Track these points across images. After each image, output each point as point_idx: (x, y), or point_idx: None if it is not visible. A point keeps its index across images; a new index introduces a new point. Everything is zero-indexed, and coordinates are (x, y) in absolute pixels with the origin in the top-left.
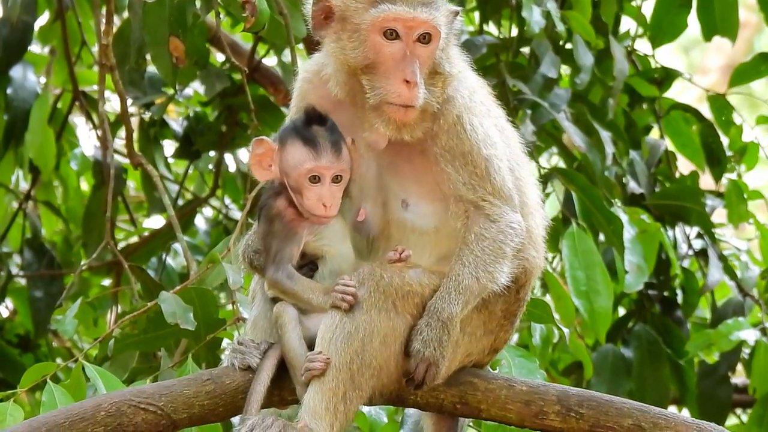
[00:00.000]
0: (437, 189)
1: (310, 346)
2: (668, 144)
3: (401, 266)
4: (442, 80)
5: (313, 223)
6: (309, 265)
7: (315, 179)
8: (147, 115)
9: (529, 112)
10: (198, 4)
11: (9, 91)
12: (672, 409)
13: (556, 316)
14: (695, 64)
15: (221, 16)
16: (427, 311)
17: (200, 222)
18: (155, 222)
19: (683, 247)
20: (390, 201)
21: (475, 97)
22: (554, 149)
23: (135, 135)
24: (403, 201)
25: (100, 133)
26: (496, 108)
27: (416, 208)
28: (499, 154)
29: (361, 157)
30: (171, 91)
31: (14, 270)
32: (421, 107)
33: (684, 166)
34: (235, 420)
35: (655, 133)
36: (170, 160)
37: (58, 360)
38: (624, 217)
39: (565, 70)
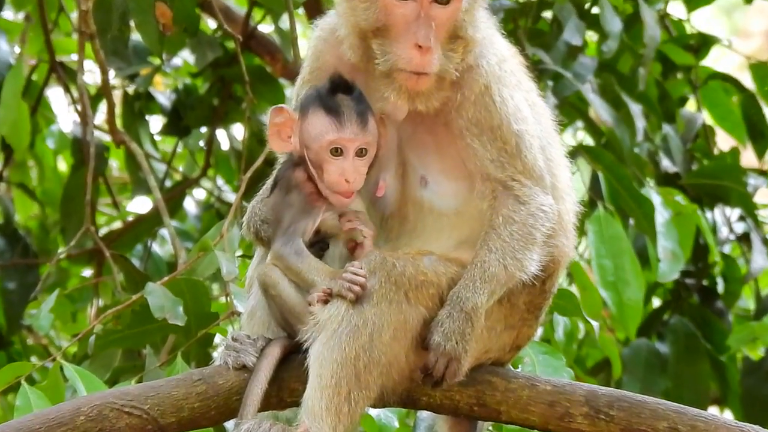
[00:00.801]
0: (461, 166)
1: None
2: (706, 117)
3: (414, 253)
4: (464, 46)
5: (333, 203)
6: (320, 243)
7: (337, 152)
8: (131, 88)
9: (550, 83)
10: None
11: None
12: (712, 410)
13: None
14: (737, 28)
15: None
16: (450, 301)
17: (190, 205)
18: (140, 205)
19: (723, 231)
20: (408, 176)
21: (505, 66)
22: (579, 124)
23: (118, 110)
24: (421, 177)
25: (79, 107)
26: (528, 80)
27: (436, 186)
28: (531, 130)
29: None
30: (157, 62)
31: None
32: (437, 75)
33: (723, 141)
34: (229, 424)
35: (691, 106)
36: (157, 138)
37: (33, 359)
38: (656, 199)
39: (590, 36)
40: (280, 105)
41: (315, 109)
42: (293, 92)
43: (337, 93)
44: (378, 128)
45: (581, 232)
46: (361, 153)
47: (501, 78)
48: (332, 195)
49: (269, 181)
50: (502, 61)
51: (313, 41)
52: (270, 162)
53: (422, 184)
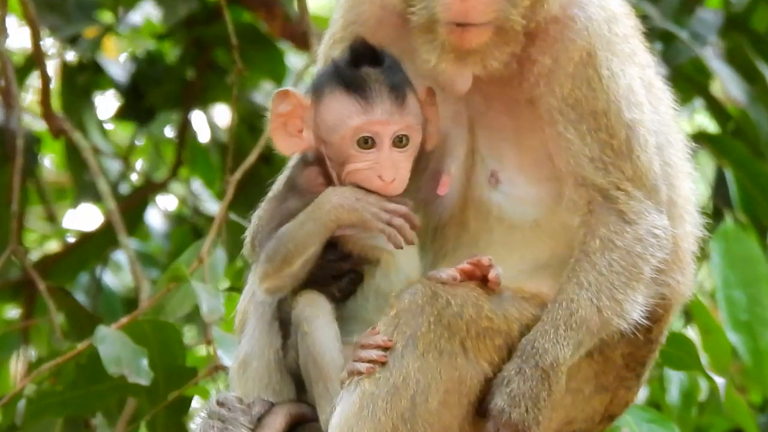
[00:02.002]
0: (547, 162)
1: None
2: None
3: (478, 288)
4: None
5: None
6: (349, 273)
7: (367, 143)
8: (72, 56)
9: (659, 46)
10: None
11: None
12: None
13: (704, 358)
14: None
15: None
16: (521, 352)
17: (155, 218)
18: (85, 218)
19: None
20: (475, 170)
21: (616, 28)
22: (698, 103)
23: (54, 86)
24: (492, 173)
25: (0, 83)
26: (644, 51)
27: (510, 187)
28: (647, 121)
29: (444, 107)
30: (109, 18)
31: None
32: (496, 25)
33: None
34: None
35: None
36: (108, 125)
37: None
38: None
39: None
40: (284, 88)
41: (332, 88)
42: (315, 59)
43: (362, 64)
44: (426, 108)
45: (702, 253)
46: (400, 142)
47: (610, 43)
48: None
49: (276, 184)
50: (611, 19)
51: None
52: (266, 158)
53: (492, 183)
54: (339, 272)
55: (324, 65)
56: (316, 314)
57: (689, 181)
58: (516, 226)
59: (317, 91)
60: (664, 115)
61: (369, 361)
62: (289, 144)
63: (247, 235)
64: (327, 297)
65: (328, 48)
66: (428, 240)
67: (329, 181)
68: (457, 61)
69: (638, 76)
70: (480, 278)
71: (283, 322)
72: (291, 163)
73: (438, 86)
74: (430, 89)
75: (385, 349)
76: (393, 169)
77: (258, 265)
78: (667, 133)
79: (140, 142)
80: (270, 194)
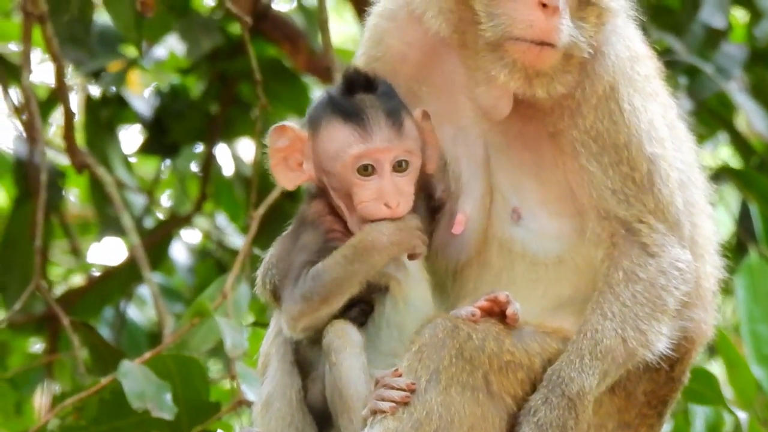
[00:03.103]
0: (569, 196)
1: None
2: None
3: (499, 323)
4: (597, 14)
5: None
6: (359, 305)
7: (367, 170)
8: (96, 90)
9: (683, 80)
10: None
11: None
12: None
13: (728, 393)
14: None
15: None
16: (546, 381)
17: (179, 253)
18: (109, 253)
19: None
20: (496, 207)
21: (638, 67)
22: (722, 137)
23: (78, 120)
24: (513, 210)
25: (24, 117)
26: (666, 94)
27: (532, 223)
28: (669, 157)
29: (463, 133)
30: (133, 53)
31: None
32: (565, 49)
33: None
34: None
35: None
36: (132, 159)
37: None
38: None
39: (738, 15)
40: (281, 123)
41: (329, 118)
42: None
43: (356, 92)
44: (424, 130)
45: (726, 288)
46: (400, 166)
47: (633, 81)
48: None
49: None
50: (635, 59)
51: (372, 19)
52: (290, 193)
53: (514, 219)
54: (350, 302)
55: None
56: (345, 346)
57: (711, 223)
58: (539, 262)
59: (314, 122)
60: (686, 155)
61: (392, 401)
62: (291, 178)
63: (258, 275)
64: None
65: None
66: (449, 281)
67: (334, 212)
68: (526, 80)
69: (660, 115)
70: (499, 315)
71: (300, 363)
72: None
73: (474, 113)
74: (425, 112)
75: (410, 391)
76: (396, 193)
77: (291, 304)
78: (689, 173)
79: (164, 176)
80: (283, 234)
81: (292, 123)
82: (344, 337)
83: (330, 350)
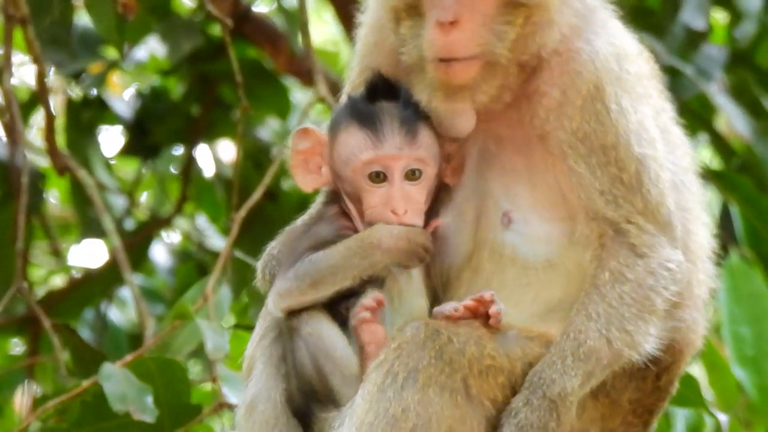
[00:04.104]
0: (561, 200)
1: None
2: None
3: (482, 326)
4: (526, 15)
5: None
6: (356, 295)
7: (378, 177)
8: (77, 92)
9: (664, 81)
10: None
11: None
12: None
13: (710, 394)
14: None
15: None
16: (528, 383)
17: (160, 254)
18: (90, 255)
19: None
20: (487, 212)
21: (626, 65)
22: (702, 139)
23: (59, 122)
24: (504, 214)
25: (5, 119)
26: (660, 96)
27: (523, 227)
28: (659, 158)
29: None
30: (114, 55)
31: None
32: (483, 59)
33: None
34: None
35: None
36: (113, 161)
37: None
38: None
39: (718, 17)
40: (305, 126)
41: (347, 123)
42: (320, 95)
43: (377, 99)
44: (447, 142)
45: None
46: (412, 175)
47: (620, 79)
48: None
49: (301, 220)
50: (622, 56)
51: (361, 29)
52: (272, 194)
53: (504, 223)
54: (345, 294)
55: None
56: (319, 318)
57: (705, 230)
58: (529, 266)
59: (334, 126)
60: (680, 159)
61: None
62: (309, 180)
63: (258, 266)
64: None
65: (348, 93)
66: (440, 286)
67: (347, 217)
68: (447, 98)
69: (651, 116)
70: (484, 315)
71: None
72: (317, 202)
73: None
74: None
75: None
76: (404, 201)
77: (281, 281)
78: (683, 176)
79: (145, 178)
80: (291, 229)
81: (315, 127)
82: (317, 317)
83: (302, 325)
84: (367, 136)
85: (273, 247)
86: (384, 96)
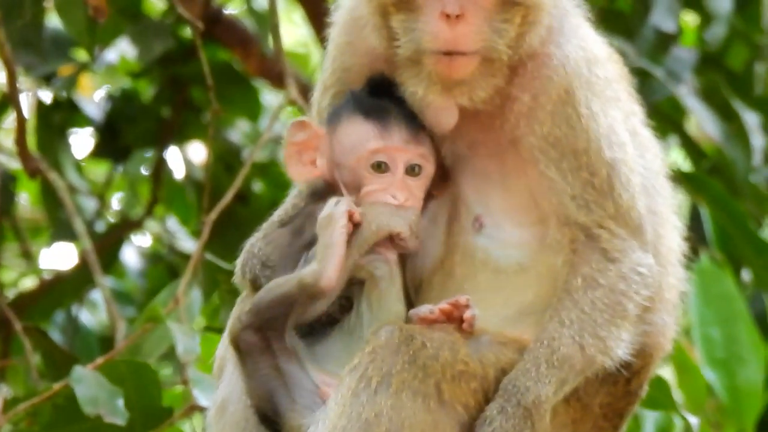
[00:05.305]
0: (533, 205)
1: None
2: None
3: (456, 331)
4: (522, 14)
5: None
6: (340, 300)
7: (381, 167)
8: (47, 94)
9: (634, 84)
10: None
11: None
12: None
13: (679, 396)
14: None
15: None
16: (502, 391)
17: (131, 257)
18: (61, 257)
19: None
20: (459, 216)
21: (597, 69)
22: (673, 141)
23: (29, 124)
24: (476, 218)
25: None
26: (631, 100)
27: (495, 231)
28: (630, 162)
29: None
30: (84, 57)
31: None
32: (482, 55)
33: None
34: None
35: None
36: (84, 163)
37: None
38: None
39: (688, 19)
40: (301, 118)
41: (350, 115)
42: (291, 97)
43: (379, 95)
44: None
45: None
46: (413, 170)
47: (590, 84)
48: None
49: (276, 215)
50: (592, 60)
51: (332, 32)
52: (243, 197)
53: (476, 228)
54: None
55: (326, 102)
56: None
57: (676, 235)
58: (501, 270)
59: (334, 119)
60: (650, 162)
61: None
62: (302, 172)
63: (238, 263)
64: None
65: (320, 95)
66: (412, 291)
67: None
68: (444, 92)
69: (621, 120)
70: (458, 320)
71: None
72: (291, 196)
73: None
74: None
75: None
76: (406, 190)
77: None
78: (654, 180)
79: (116, 180)
80: (266, 227)
81: (311, 120)
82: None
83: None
84: (375, 126)
85: (253, 245)
86: (385, 93)
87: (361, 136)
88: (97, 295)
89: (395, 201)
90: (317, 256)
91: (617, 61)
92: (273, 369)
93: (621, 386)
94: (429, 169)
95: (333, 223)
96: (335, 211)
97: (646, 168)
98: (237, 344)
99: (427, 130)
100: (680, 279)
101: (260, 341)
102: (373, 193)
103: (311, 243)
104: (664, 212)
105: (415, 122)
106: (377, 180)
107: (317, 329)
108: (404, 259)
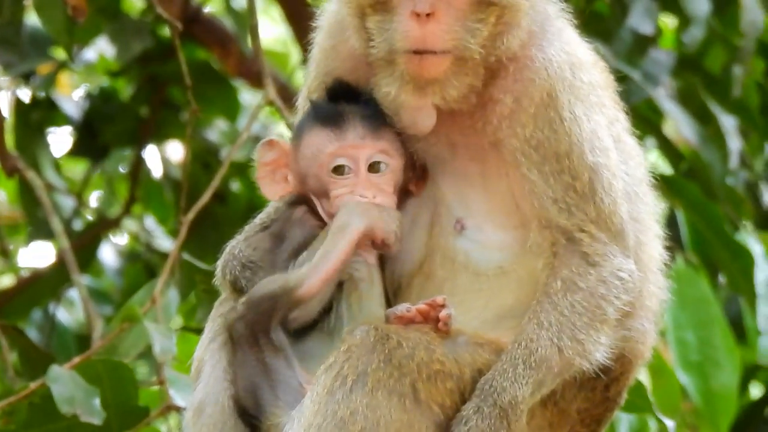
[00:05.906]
0: (514, 208)
1: None
2: None
3: (432, 331)
4: (497, 14)
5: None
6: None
7: (342, 170)
8: (26, 92)
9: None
10: None
11: None
12: None
13: (653, 399)
14: None
15: None
16: (479, 391)
17: (108, 255)
18: (38, 255)
19: None
20: (440, 218)
21: (581, 73)
22: (650, 143)
23: (8, 123)
24: (457, 221)
25: None
26: (615, 106)
27: (476, 234)
28: (612, 167)
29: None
30: (63, 56)
31: None
32: (454, 54)
33: None
34: None
35: None
36: (62, 162)
37: None
38: (757, 248)
39: (666, 22)
40: (270, 138)
41: (310, 125)
42: (269, 97)
43: (338, 101)
44: (406, 143)
45: None
46: (375, 167)
47: (573, 87)
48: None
49: (258, 218)
50: (576, 65)
51: (317, 36)
52: (220, 196)
53: (457, 230)
54: None
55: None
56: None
57: (658, 243)
58: (481, 273)
59: (298, 133)
60: (634, 170)
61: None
62: (276, 190)
63: (218, 264)
64: None
65: (305, 100)
66: (392, 293)
67: (316, 215)
68: (417, 91)
69: (605, 125)
70: (435, 319)
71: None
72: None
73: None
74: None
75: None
76: (371, 188)
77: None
78: (637, 187)
79: (94, 179)
80: (248, 229)
81: (280, 138)
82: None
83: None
84: (330, 131)
85: (234, 247)
86: (345, 99)
87: (319, 143)
88: (74, 294)
89: (364, 200)
90: (314, 258)
91: (603, 68)
92: (260, 363)
93: (599, 392)
94: (393, 163)
95: (346, 235)
96: (355, 224)
97: (630, 175)
98: (230, 333)
99: (389, 126)
100: (661, 287)
101: (250, 334)
102: (341, 196)
103: (298, 250)
104: (647, 220)
105: (373, 119)
106: (342, 183)
107: (298, 329)
108: (384, 261)
